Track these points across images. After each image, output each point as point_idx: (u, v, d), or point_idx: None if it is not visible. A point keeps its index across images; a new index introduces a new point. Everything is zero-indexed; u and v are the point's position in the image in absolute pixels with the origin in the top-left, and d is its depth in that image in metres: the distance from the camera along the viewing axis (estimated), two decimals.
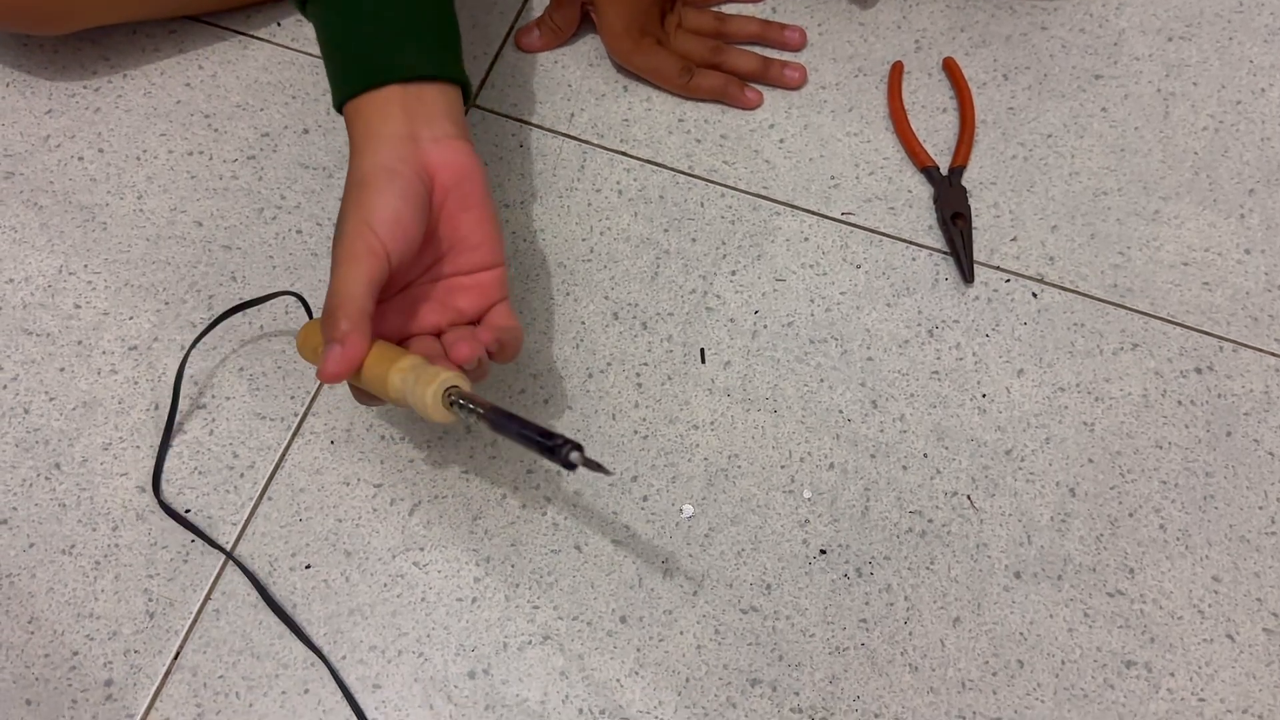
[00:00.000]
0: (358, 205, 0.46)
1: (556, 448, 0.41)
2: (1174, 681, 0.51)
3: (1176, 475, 0.55)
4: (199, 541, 0.54)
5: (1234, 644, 0.52)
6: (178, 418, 0.56)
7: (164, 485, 0.55)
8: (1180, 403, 0.57)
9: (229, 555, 0.53)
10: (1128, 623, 0.52)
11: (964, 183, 0.63)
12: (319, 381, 0.46)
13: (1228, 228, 0.62)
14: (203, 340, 0.58)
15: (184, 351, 0.57)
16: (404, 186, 0.46)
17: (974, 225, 0.62)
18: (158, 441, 0.56)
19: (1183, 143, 0.65)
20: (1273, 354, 0.59)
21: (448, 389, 0.44)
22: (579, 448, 0.41)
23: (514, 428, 0.43)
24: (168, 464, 0.55)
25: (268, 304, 0.59)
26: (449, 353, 0.47)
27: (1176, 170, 0.64)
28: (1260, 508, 0.55)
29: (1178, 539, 0.54)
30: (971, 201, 0.63)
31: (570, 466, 0.41)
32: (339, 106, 0.50)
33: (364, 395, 0.48)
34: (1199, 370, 0.58)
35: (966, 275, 0.60)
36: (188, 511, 0.54)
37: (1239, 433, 0.56)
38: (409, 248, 0.46)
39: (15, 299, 0.59)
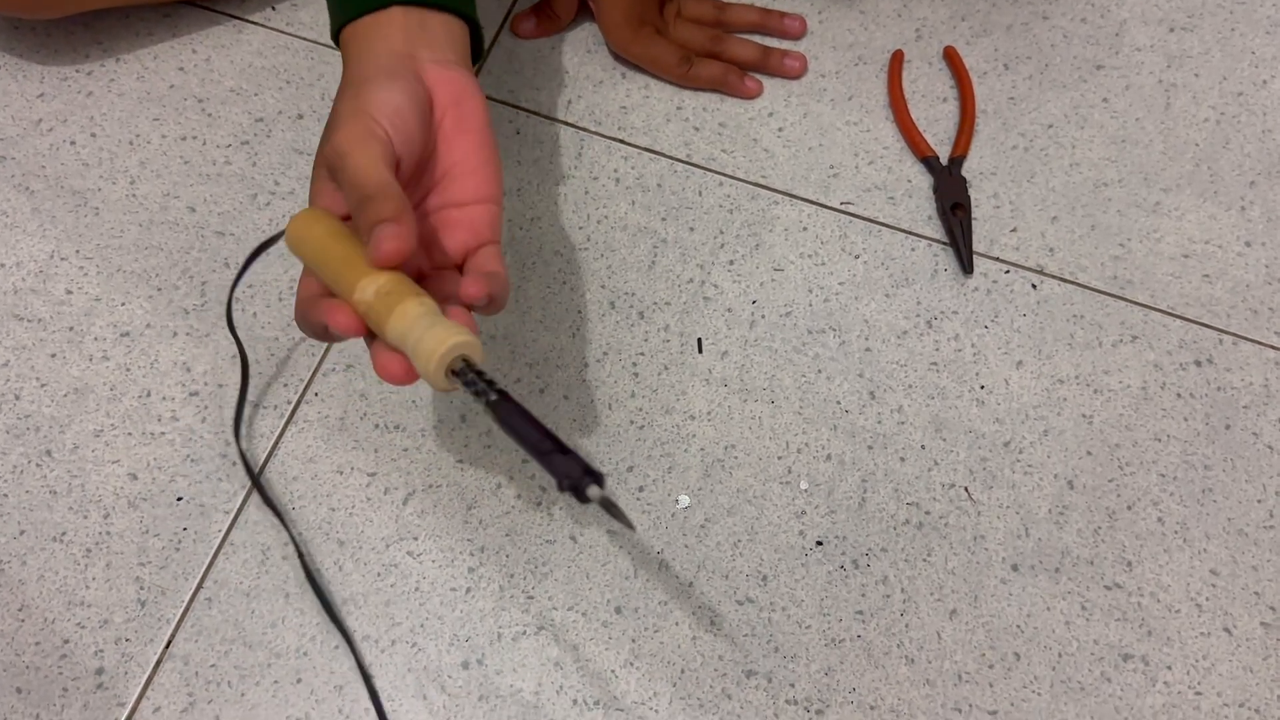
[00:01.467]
0: (354, 98, 0.42)
1: (570, 472, 0.35)
2: (1171, 675, 0.51)
3: (1175, 468, 0.55)
4: (191, 529, 0.53)
5: (1231, 637, 0.52)
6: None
7: (156, 474, 0.54)
8: (1179, 395, 0.57)
9: (256, 485, 0.53)
10: (1125, 616, 0.52)
11: (964, 173, 0.63)
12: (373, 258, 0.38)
13: (1228, 220, 0.62)
14: (195, 328, 0.58)
15: (227, 298, 0.56)
16: (404, 87, 0.42)
17: (973, 216, 0.62)
18: (151, 429, 0.55)
19: (1184, 134, 0.64)
20: (1273, 347, 0.58)
21: (456, 358, 0.38)
22: (599, 479, 0.35)
23: (524, 429, 0.37)
24: (160, 452, 0.55)
25: (259, 289, 0.59)
26: (450, 299, 0.42)
27: (1177, 162, 0.63)
28: (1259, 501, 0.54)
29: (1176, 532, 0.54)
30: (971, 192, 0.62)
31: (583, 500, 0.35)
32: (336, 34, 0.47)
33: (314, 292, 0.41)
34: (1199, 363, 0.58)
35: (966, 266, 0.60)
36: (179, 500, 0.54)
37: (1238, 426, 0.56)
38: (410, 150, 0.42)
39: (6, 284, 0.59)
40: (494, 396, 0.38)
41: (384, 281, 0.38)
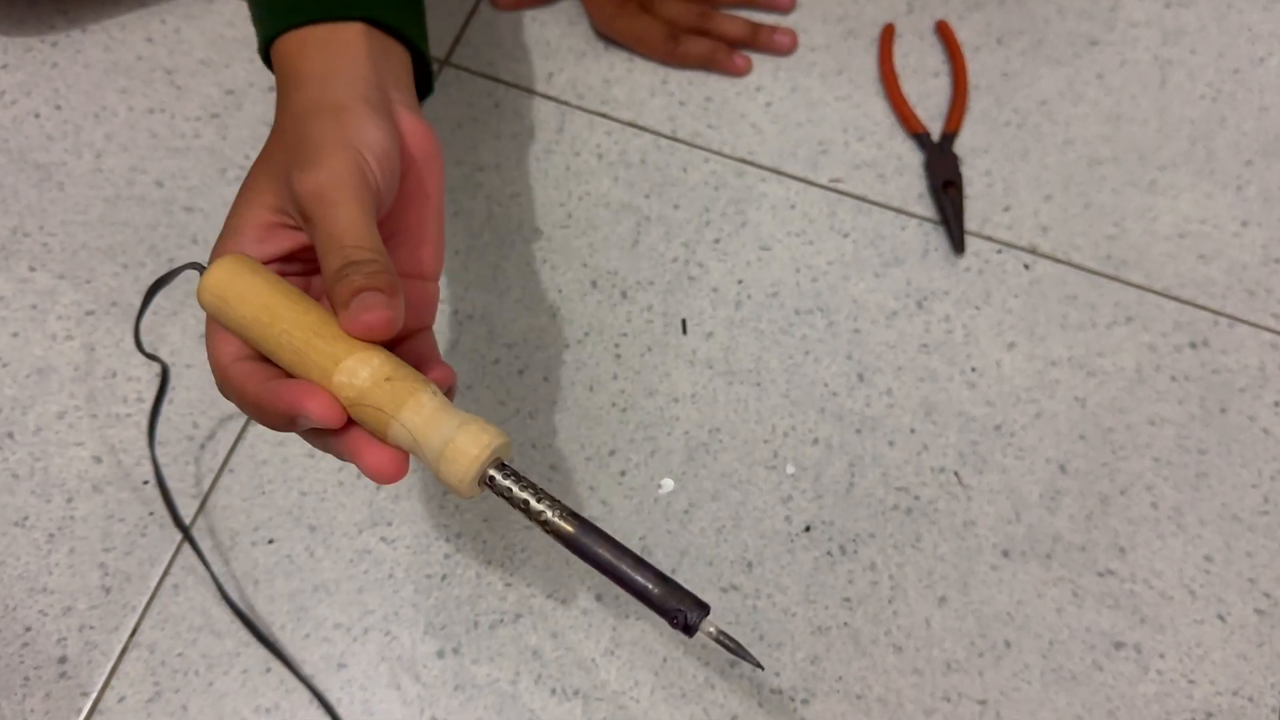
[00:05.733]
0: (339, 127, 0.35)
1: (677, 607, 0.31)
2: (1164, 663, 0.50)
3: (1169, 452, 0.54)
4: (157, 514, 0.51)
5: (1225, 625, 0.50)
6: (140, 389, 0.54)
7: (121, 457, 0.53)
8: (1174, 378, 0.56)
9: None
10: (1118, 603, 0.51)
11: (956, 150, 0.61)
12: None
13: (1225, 199, 0.60)
14: (162, 306, 0.56)
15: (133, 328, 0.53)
16: (390, 127, 0.37)
17: (965, 194, 0.60)
18: (116, 410, 0.53)
19: (1180, 112, 0.63)
20: (1269, 329, 0.57)
21: (494, 464, 0.32)
22: (705, 609, 0.31)
23: (606, 559, 0.31)
24: (126, 434, 0.53)
25: None
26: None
27: (1173, 140, 0.62)
28: (1254, 486, 0.53)
29: (1170, 517, 0.53)
30: (963, 169, 0.61)
31: (690, 634, 0.31)
32: (270, 41, 0.40)
33: (268, 375, 0.34)
34: (1194, 345, 0.57)
35: (957, 245, 0.58)
36: (145, 483, 0.52)
37: (1234, 409, 0.55)
38: (389, 196, 0.37)
39: None
40: (552, 522, 0.32)
41: (379, 363, 0.32)
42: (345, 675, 0.49)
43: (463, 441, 0.31)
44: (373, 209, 0.35)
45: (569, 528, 0.32)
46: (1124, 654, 0.50)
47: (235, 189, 0.59)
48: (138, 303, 0.56)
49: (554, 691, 0.49)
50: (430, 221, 0.40)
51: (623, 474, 0.53)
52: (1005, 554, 0.52)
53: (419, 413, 0.31)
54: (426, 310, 0.39)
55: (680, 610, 0.31)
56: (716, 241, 0.59)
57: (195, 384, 0.54)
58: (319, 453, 0.53)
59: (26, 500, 0.52)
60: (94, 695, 0.48)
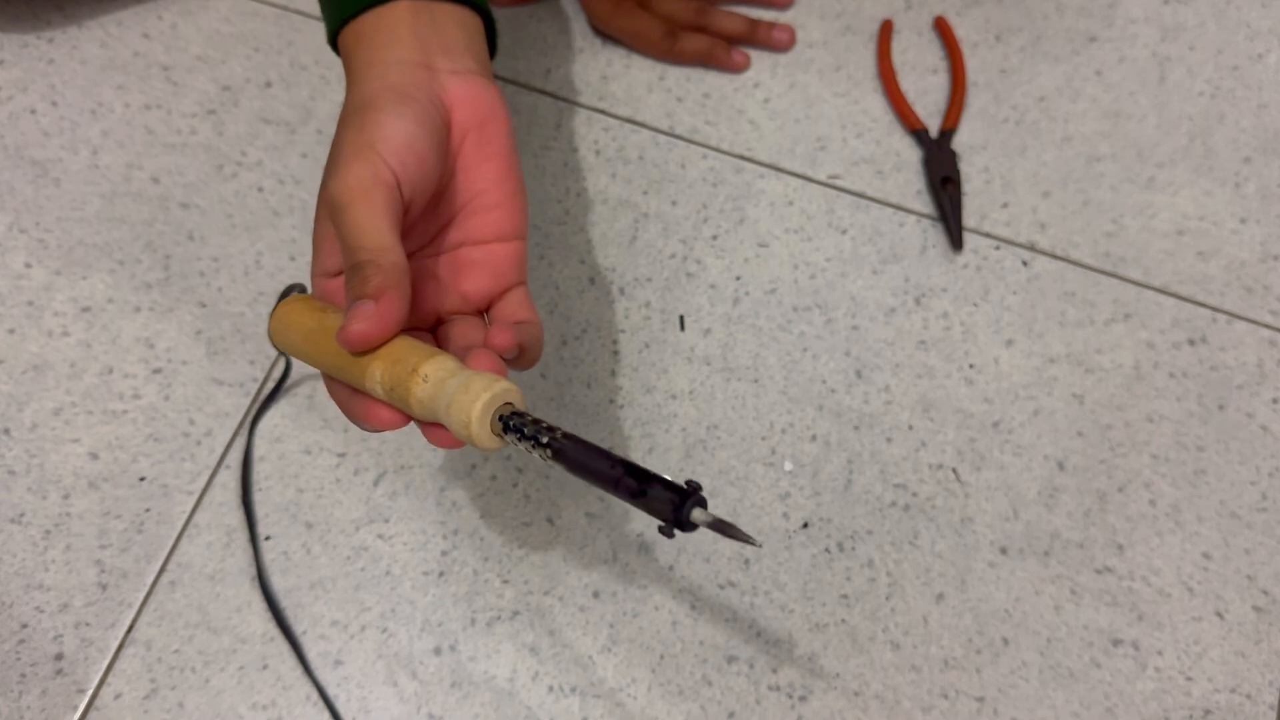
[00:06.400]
0: (359, 129, 0.37)
1: (669, 504, 0.30)
2: (1162, 660, 0.50)
3: (1168, 449, 0.54)
4: (154, 510, 0.51)
5: (1223, 622, 0.50)
6: (135, 387, 0.54)
7: (118, 453, 0.52)
8: (1172, 375, 0.56)
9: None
10: (1115, 600, 0.51)
11: (954, 146, 0.61)
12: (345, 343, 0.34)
13: (1223, 196, 0.60)
14: (158, 302, 0.56)
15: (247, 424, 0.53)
16: (419, 112, 0.37)
17: (964, 191, 0.60)
18: (112, 407, 0.53)
19: (1178, 108, 0.63)
20: (1267, 326, 0.57)
21: (502, 406, 0.33)
22: (702, 501, 0.31)
23: (600, 467, 0.32)
24: (122, 430, 0.53)
25: (225, 263, 0.57)
26: (471, 349, 0.36)
27: (1172, 136, 0.62)
28: (1252, 483, 0.53)
29: (1168, 514, 0.53)
30: (962, 166, 0.61)
31: (684, 527, 0.30)
32: (334, 36, 0.41)
33: (340, 389, 0.37)
34: (1192, 342, 0.57)
35: (955, 242, 0.58)
36: (142, 480, 0.52)
37: (1232, 406, 0.55)
38: (423, 187, 0.37)
39: None
40: (558, 439, 0.32)
41: (381, 368, 0.34)
42: (342, 672, 0.49)
43: (460, 403, 0.33)
44: (388, 207, 0.35)
45: (559, 446, 0.33)
46: (1122, 651, 0.50)
47: (231, 185, 0.59)
48: (134, 299, 0.56)
49: (551, 689, 0.48)
50: (500, 182, 0.40)
51: None
52: (1003, 551, 0.52)
53: (422, 391, 0.34)
54: (513, 270, 0.40)
55: (670, 508, 0.30)
56: (714, 238, 0.59)
57: (192, 381, 0.54)
58: (316, 449, 0.53)
59: (23, 497, 0.51)
60: (90, 692, 0.48)
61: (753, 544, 0.31)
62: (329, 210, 0.36)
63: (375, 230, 0.34)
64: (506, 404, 0.33)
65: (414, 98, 0.38)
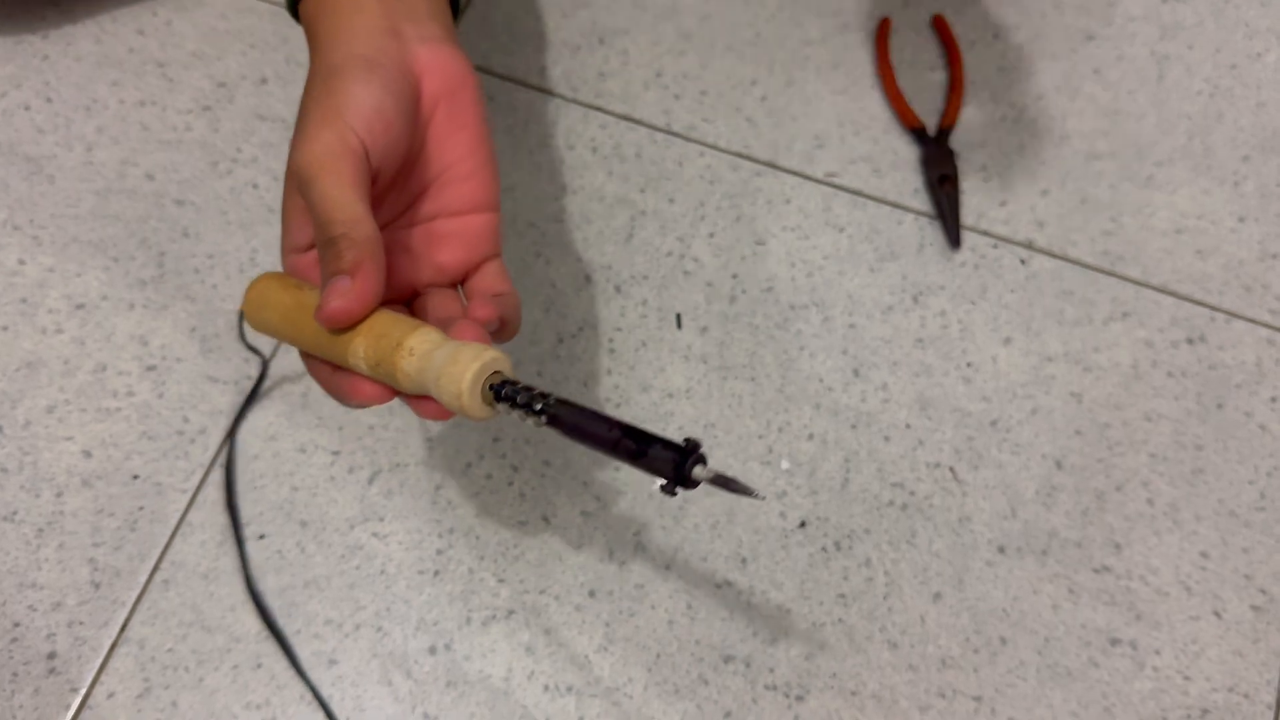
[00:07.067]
0: (325, 96, 0.36)
1: (669, 462, 0.30)
2: (1160, 660, 0.49)
3: (1166, 448, 0.54)
4: (147, 509, 0.51)
5: (1221, 621, 0.50)
6: (128, 384, 0.53)
7: (111, 451, 0.52)
8: (1171, 374, 0.56)
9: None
10: (1113, 599, 0.50)
11: (952, 144, 0.61)
12: (321, 321, 0.34)
13: (1222, 195, 0.60)
14: (152, 299, 0.55)
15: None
16: (386, 79, 0.36)
17: (962, 189, 0.60)
18: (106, 404, 0.53)
19: (1177, 107, 0.63)
20: (1265, 325, 0.57)
21: (492, 375, 0.33)
22: (702, 458, 0.30)
23: (596, 430, 0.31)
24: (116, 428, 0.53)
25: (219, 260, 0.56)
26: (451, 321, 0.36)
27: (1170, 135, 0.62)
28: (1250, 482, 0.53)
29: (1166, 513, 0.52)
30: (960, 164, 0.60)
31: (686, 484, 0.30)
32: (293, 3, 0.40)
33: (321, 367, 0.37)
34: (1190, 341, 0.56)
35: (953, 240, 0.58)
36: (136, 478, 0.52)
37: (1230, 405, 0.55)
38: (392, 155, 0.37)
39: None
40: (551, 404, 0.32)
41: (363, 344, 0.34)
42: (336, 671, 0.48)
43: (450, 373, 0.32)
44: (357, 177, 0.34)
45: (553, 410, 0.32)
46: (1120, 650, 0.50)
47: (226, 182, 0.59)
48: (128, 296, 0.56)
49: (546, 688, 0.48)
50: (472, 152, 0.40)
51: (616, 469, 0.53)
52: (1001, 550, 0.51)
53: (409, 364, 0.33)
54: (488, 241, 0.40)
55: (671, 466, 0.30)
56: (711, 236, 0.58)
57: (186, 378, 0.54)
58: (310, 447, 0.53)
59: (15, 495, 0.51)
60: (83, 691, 0.48)
61: (755, 496, 0.31)
62: (297, 182, 0.35)
63: (346, 202, 0.34)
64: (496, 373, 0.33)
65: (382, 65, 0.37)
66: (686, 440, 0.30)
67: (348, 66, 0.36)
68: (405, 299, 0.40)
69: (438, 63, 0.39)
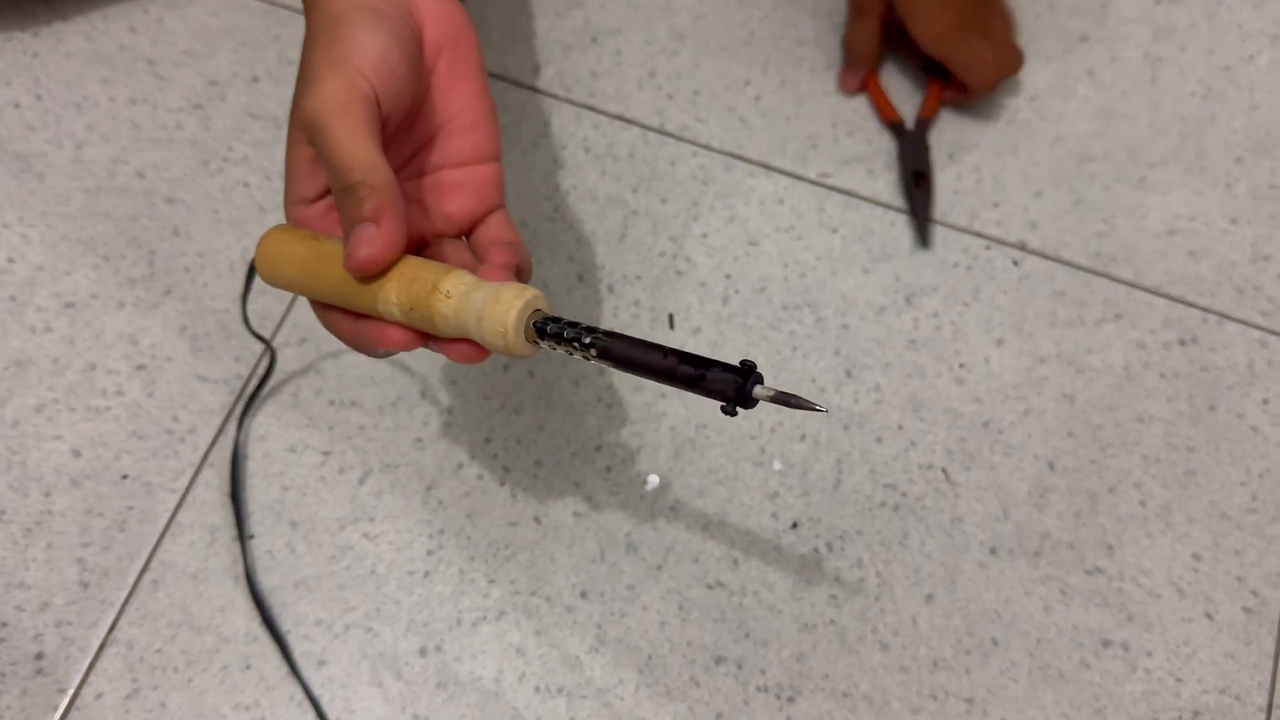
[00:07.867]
0: (331, 44, 0.35)
1: (729, 384, 0.30)
2: (1151, 661, 0.49)
3: (1158, 450, 0.54)
4: (136, 509, 0.51)
5: (1213, 623, 0.50)
6: (120, 385, 0.53)
7: (100, 450, 0.52)
8: (1163, 375, 0.56)
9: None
10: (1105, 601, 0.50)
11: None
12: (351, 269, 0.34)
13: (1215, 197, 0.60)
14: (142, 298, 0.55)
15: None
16: (391, 26, 0.36)
17: (955, 190, 0.60)
18: (95, 404, 0.53)
19: (1170, 108, 0.63)
20: (1257, 327, 0.57)
21: (534, 313, 0.33)
22: (760, 378, 0.31)
23: (650, 359, 0.32)
24: (105, 428, 0.52)
25: (210, 258, 0.56)
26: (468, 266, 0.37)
27: (1163, 137, 0.62)
28: (1242, 484, 0.53)
29: (1158, 515, 0.52)
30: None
31: (747, 403, 0.31)
32: None
33: (340, 319, 0.37)
34: (1183, 342, 0.56)
35: (923, 239, 0.58)
36: (125, 477, 0.51)
37: (1222, 407, 0.55)
38: (399, 102, 0.36)
39: None
40: (600, 337, 0.33)
41: (395, 289, 0.34)
42: (326, 672, 0.48)
43: (494, 310, 0.33)
44: (369, 123, 0.34)
45: (603, 343, 0.33)
46: (1112, 652, 0.50)
47: (217, 180, 0.59)
48: (118, 295, 0.55)
49: (537, 689, 0.48)
50: (475, 102, 0.40)
51: (609, 470, 0.53)
52: (993, 551, 0.51)
53: (449, 305, 0.33)
54: (494, 191, 0.40)
55: (732, 388, 0.31)
56: (704, 236, 0.58)
57: (176, 377, 0.53)
58: (301, 447, 0.52)
59: (3, 494, 0.51)
60: (71, 692, 0.48)
61: (819, 410, 0.31)
62: (307, 131, 0.35)
63: (361, 149, 0.34)
64: (537, 310, 0.33)
65: (385, 13, 0.37)
66: (742, 362, 0.31)
67: (352, 14, 0.36)
68: (416, 249, 0.39)
69: (438, 12, 0.39)
